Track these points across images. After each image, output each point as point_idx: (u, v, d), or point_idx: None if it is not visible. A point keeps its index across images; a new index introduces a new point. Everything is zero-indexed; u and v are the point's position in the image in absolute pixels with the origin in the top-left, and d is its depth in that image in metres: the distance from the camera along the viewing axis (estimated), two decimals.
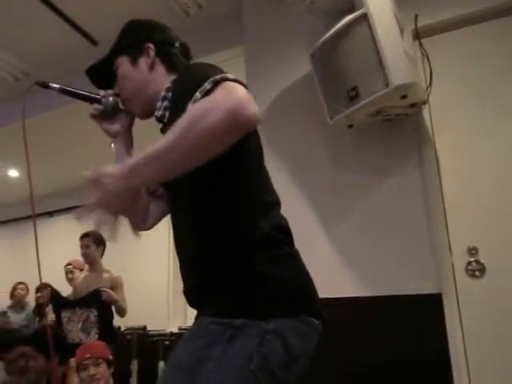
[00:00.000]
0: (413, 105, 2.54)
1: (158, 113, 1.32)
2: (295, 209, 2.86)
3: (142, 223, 1.53)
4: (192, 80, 1.18)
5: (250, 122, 1.02)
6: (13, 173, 7.14)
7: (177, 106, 1.20)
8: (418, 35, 2.76)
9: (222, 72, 1.17)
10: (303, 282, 1.21)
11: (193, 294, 1.26)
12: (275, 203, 1.28)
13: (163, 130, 1.34)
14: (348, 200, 2.83)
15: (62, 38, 4.12)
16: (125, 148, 1.51)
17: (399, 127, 2.72)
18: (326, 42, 2.54)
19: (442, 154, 2.66)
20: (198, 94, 1.11)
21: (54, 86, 1.44)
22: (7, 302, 6.34)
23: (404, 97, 2.41)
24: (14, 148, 5.75)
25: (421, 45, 2.78)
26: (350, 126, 2.73)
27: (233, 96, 1.01)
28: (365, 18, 2.37)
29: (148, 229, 1.56)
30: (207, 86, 1.10)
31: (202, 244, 1.20)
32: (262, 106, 3.18)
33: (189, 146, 1.01)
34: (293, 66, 3.11)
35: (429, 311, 2.47)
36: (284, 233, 1.24)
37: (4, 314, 6.14)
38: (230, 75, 1.12)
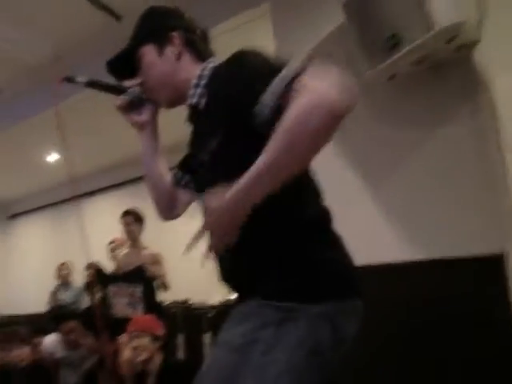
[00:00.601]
0: (462, 47, 2.36)
1: (193, 100, 1.37)
2: (334, 170, 2.78)
3: (169, 213, 1.61)
4: (253, 69, 1.17)
5: (349, 111, 1.01)
6: (53, 156, 7.31)
7: (225, 92, 1.22)
8: None
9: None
10: (349, 264, 1.27)
11: (236, 278, 1.30)
12: (320, 191, 1.32)
13: (194, 117, 1.41)
14: (392, 157, 2.71)
15: (86, 18, 4.14)
16: (151, 139, 1.57)
17: (447, 74, 2.54)
18: None
19: (499, 100, 2.44)
20: (275, 88, 1.09)
21: (80, 80, 1.47)
22: (54, 282, 6.65)
23: (451, 39, 2.24)
24: (53, 131, 5.88)
25: None
26: (391, 78, 2.58)
27: (326, 94, 1.00)
28: None
29: (175, 218, 1.63)
30: (286, 79, 1.08)
31: (248, 228, 1.19)
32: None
33: (294, 159, 1.05)
34: (323, 20, 2.95)
35: (489, 275, 2.34)
36: (329, 218, 1.29)
37: (54, 293, 6.44)
38: (298, 66, 1.09)
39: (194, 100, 1.37)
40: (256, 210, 1.17)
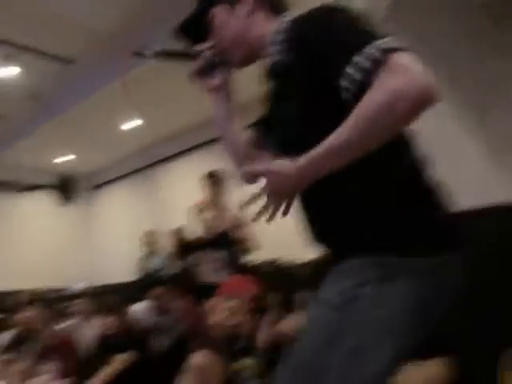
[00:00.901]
0: None
1: (269, 58, 1.36)
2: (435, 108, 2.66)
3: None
4: (339, 33, 1.14)
5: (435, 101, 1.01)
6: (132, 123, 7.54)
7: (308, 52, 1.19)
8: None
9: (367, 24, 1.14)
10: (451, 215, 1.23)
11: (332, 237, 1.29)
12: (413, 136, 1.29)
13: (270, 75, 1.39)
14: (498, 88, 2.55)
15: None
16: (226, 102, 1.57)
17: None
18: None
19: None
20: (363, 60, 1.06)
21: (149, 53, 1.50)
22: (140, 250, 6.90)
23: None
24: (136, 97, 6.04)
25: None
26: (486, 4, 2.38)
27: (416, 81, 1.00)
28: None
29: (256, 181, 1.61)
30: (375, 53, 1.05)
31: (343, 183, 1.21)
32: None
33: (371, 138, 1.05)
34: None
35: None
36: (425, 166, 1.25)
37: (142, 261, 6.71)
38: (390, 40, 1.07)
39: (271, 58, 1.36)
40: (350, 162, 1.16)
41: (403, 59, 1.04)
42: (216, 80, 1.53)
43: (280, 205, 1.19)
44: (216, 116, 1.59)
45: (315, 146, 1.13)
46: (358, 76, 1.07)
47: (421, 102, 1.00)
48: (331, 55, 1.13)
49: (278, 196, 1.18)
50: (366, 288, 1.12)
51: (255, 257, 4.45)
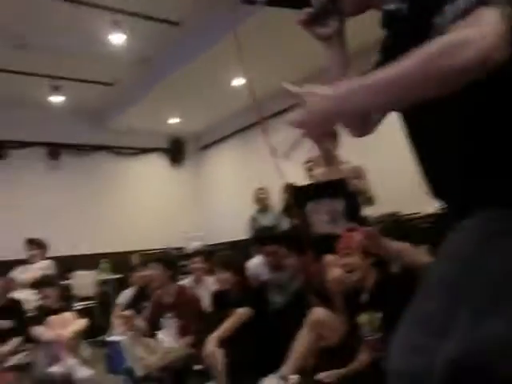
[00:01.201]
0: None
1: (391, 5, 1.28)
2: None
3: (361, 129, 1.58)
4: None
5: (491, 67, 0.97)
6: (239, 80, 7.64)
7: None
8: None
9: None
10: None
11: (452, 190, 1.24)
12: None
13: (389, 23, 1.33)
14: None
15: None
16: (339, 51, 1.52)
17: None
18: None
19: None
20: (452, 9, 1.05)
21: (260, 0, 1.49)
22: (251, 208, 7.08)
23: None
24: (244, 53, 6.07)
25: None
26: None
27: (485, 41, 0.96)
28: None
29: (367, 134, 1.59)
30: (463, 5, 1.03)
31: (467, 132, 1.17)
32: None
33: (423, 82, 1.02)
34: None
35: None
36: None
37: (254, 218, 6.87)
38: None
39: (385, 6, 1.30)
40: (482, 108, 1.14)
41: (488, 15, 0.99)
42: (328, 29, 1.50)
43: (315, 130, 1.19)
44: (329, 66, 1.55)
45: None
46: (441, 23, 1.07)
47: (475, 62, 0.96)
48: (435, 3, 1.09)
49: (312, 119, 1.17)
50: (489, 244, 1.10)
51: (374, 209, 4.36)
